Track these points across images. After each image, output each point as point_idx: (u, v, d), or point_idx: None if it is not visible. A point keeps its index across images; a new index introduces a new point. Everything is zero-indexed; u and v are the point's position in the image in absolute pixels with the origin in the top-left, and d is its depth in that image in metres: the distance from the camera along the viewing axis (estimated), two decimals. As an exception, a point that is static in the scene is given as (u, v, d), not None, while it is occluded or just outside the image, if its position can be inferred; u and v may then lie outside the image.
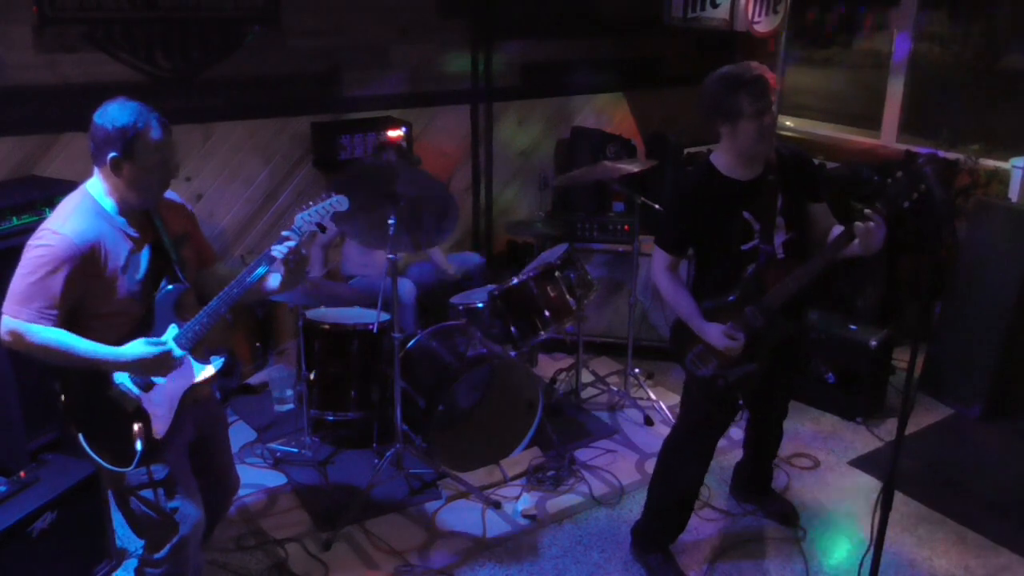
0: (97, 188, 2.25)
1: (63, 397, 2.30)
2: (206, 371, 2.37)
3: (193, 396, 2.40)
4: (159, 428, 2.30)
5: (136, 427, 2.27)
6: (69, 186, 3.38)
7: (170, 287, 2.31)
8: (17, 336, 2.13)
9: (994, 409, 4.13)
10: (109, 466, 2.29)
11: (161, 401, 2.31)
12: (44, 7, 3.70)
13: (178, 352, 2.27)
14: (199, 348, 2.37)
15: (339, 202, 2.45)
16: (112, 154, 2.15)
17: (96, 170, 2.24)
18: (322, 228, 2.44)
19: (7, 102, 3.73)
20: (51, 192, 3.34)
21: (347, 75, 4.63)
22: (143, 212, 2.31)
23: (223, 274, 2.53)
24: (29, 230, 3.16)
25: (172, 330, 2.30)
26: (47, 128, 3.83)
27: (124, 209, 2.25)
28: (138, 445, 2.26)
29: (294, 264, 2.36)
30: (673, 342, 2.92)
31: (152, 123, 2.17)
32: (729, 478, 3.57)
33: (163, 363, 2.23)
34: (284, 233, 2.36)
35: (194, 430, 2.48)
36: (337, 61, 4.58)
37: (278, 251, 2.34)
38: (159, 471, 2.34)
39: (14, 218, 3.21)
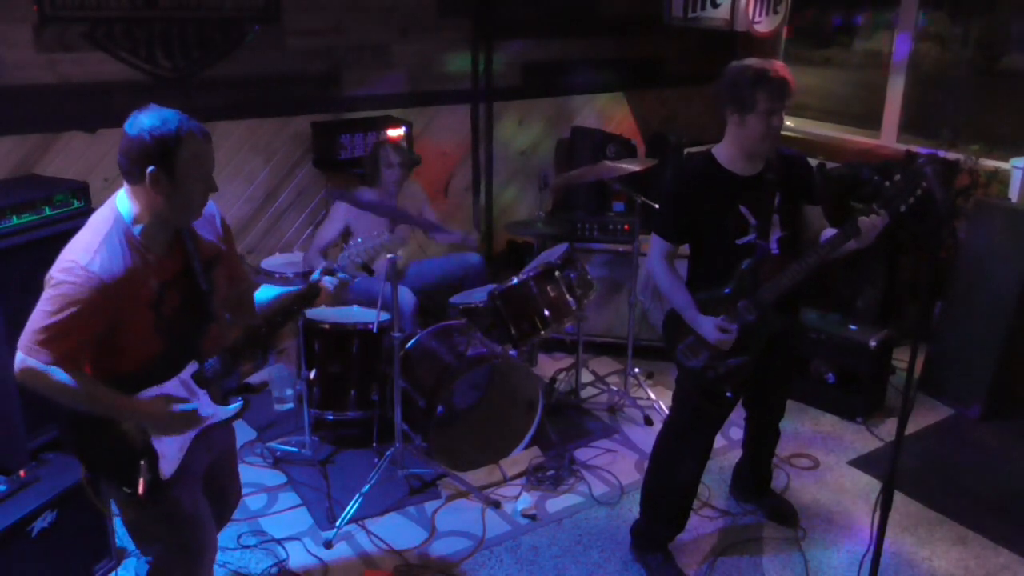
0: (128, 208, 2.05)
1: (73, 428, 2.17)
2: (223, 414, 2.27)
3: (206, 431, 2.28)
4: (166, 469, 2.16)
5: (142, 466, 2.12)
6: (69, 185, 3.44)
7: (197, 320, 2.18)
8: (33, 377, 1.99)
9: (994, 409, 4.13)
10: (108, 509, 2.21)
11: (172, 441, 2.18)
12: (44, 6, 3.70)
13: (203, 412, 2.17)
14: (216, 385, 2.26)
15: (389, 243, 2.31)
16: (151, 168, 1.95)
17: (127, 188, 2.05)
18: (369, 271, 2.29)
19: (7, 101, 3.73)
20: (51, 191, 3.34)
21: (347, 75, 4.63)
22: (175, 234, 2.14)
23: (249, 298, 2.41)
24: (28, 229, 3.22)
25: (192, 368, 2.20)
26: (47, 127, 3.83)
27: (158, 231, 2.07)
28: (140, 487, 2.12)
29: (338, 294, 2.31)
30: (665, 332, 2.93)
31: (193, 131, 1.99)
32: (728, 478, 3.57)
33: (179, 426, 2.13)
34: (328, 274, 2.29)
35: (208, 460, 2.37)
36: (337, 61, 4.58)
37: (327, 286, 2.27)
38: (170, 508, 2.23)
39: (14, 217, 3.21)
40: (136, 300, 2.05)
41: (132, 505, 2.18)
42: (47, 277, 2.00)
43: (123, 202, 2.06)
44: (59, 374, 1.98)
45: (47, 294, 1.98)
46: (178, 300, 2.14)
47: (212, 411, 2.26)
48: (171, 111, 1.99)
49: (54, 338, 1.96)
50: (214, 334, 2.25)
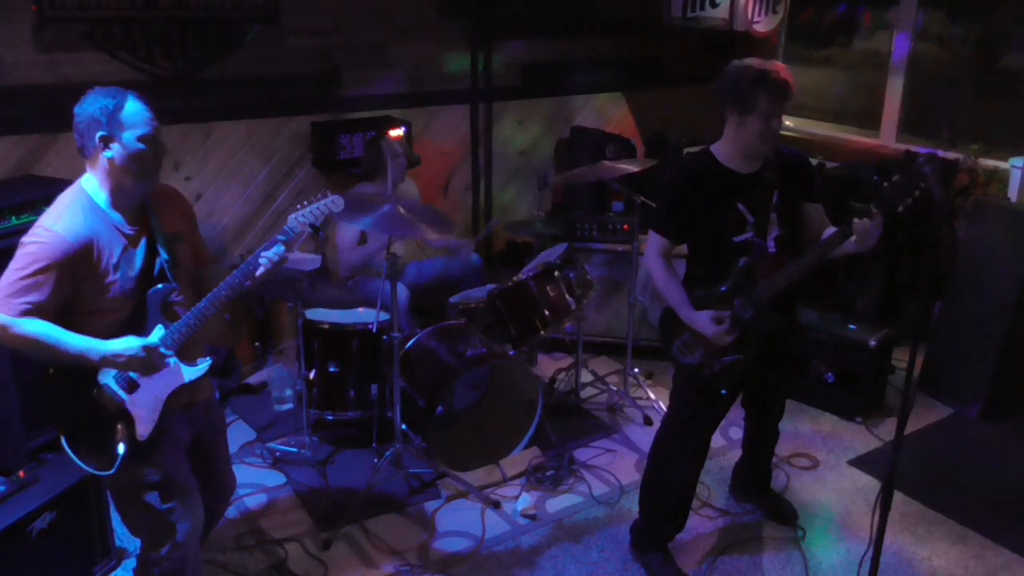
0: (91, 183, 2.25)
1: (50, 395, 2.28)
2: (192, 374, 2.35)
3: (184, 400, 2.38)
4: (142, 430, 2.28)
5: (119, 428, 2.25)
6: (68, 185, 3.42)
7: (160, 286, 2.30)
8: (4, 330, 2.13)
9: (993, 409, 4.13)
10: (89, 469, 2.26)
11: (145, 403, 2.29)
12: (44, 6, 3.69)
13: (167, 352, 2.27)
14: (188, 350, 2.34)
15: (335, 203, 2.42)
16: (100, 133, 2.16)
17: (87, 165, 2.24)
18: (316, 229, 2.41)
19: (7, 101, 3.72)
20: (50, 191, 3.29)
21: (347, 75, 4.63)
22: (139, 206, 2.29)
23: (215, 274, 2.51)
24: (28, 229, 3.21)
25: (159, 331, 2.28)
26: (46, 127, 3.82)
27: (119, 202, 2.25)
28: (120, 448, 2.24)
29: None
30: (661, 330, 2.94)
31: (130, 97, 2.20)
32: (728, 478, 3.57)
33: (150, 361, 2.22)
34: (278, 237, 2.35)
35: (190, 434, 2.46)
36: (337, 61, 4.58)
37: (266, 258, 2.33)
38: (152, 473, 2.32)
39: (13, 217, 3.21)
40: (100, 263, 2.20)
41: (117, 473, 2.26)
42: (19, 243, 2.18)
43: (87, 179, 2.27)
44: (28, 325, 2.12)
45: (16, 255, 2.16)
46: (142, 267, 2.28)
47: (183, 372, 2.34)
48: (111, 87, 2.22)
49: (23, 292, 2.12)
50: (178, 301, 2.36)
